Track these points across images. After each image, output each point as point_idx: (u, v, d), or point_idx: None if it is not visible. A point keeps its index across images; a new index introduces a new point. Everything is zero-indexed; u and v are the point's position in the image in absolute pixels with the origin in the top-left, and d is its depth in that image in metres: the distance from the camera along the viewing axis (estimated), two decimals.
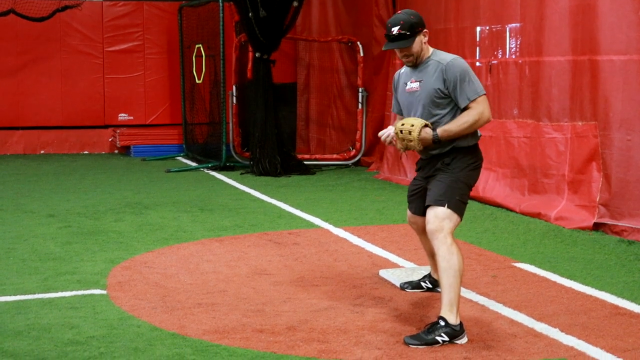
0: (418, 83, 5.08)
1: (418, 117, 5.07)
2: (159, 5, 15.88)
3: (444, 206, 4.93)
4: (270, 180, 11.92)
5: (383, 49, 5.25)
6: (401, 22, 5.00)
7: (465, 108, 4.95)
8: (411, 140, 4.95)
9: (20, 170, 13.01)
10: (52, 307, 5.43)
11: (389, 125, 6.78)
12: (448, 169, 5.04)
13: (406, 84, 5.18)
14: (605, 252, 7.22)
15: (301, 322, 5.13)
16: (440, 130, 4.94)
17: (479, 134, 5.14)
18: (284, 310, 5.40)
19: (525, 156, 9.31)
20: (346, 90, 14.25)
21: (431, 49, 5.14)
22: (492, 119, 4.93)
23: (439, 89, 4.98)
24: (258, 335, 4.87)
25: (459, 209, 4.97)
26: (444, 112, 5.01)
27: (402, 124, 5.00)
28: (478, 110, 4.90)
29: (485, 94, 4.95)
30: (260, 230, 8.15)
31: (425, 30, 5.07)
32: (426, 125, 4.96)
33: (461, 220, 5.04)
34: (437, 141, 4.94)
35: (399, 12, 5.20)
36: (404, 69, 5.31)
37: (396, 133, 5.04)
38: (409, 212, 5.59)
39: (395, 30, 4.98)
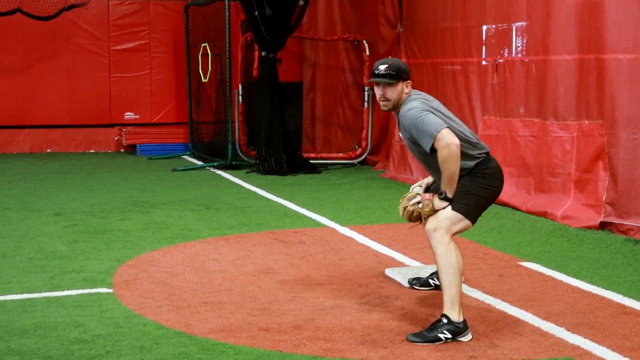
0: (400, 133, 5.21)
1: (423, 163, 5.18)
2: (165, 4, 15.89)
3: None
4: (276, 179, 11.93)
5: (368, 81, 5.56)
6: (390, 62, 5.13)
7: (432, 150, 4.90)
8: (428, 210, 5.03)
9: (26, 169, 13.04)
10: (58, 306, 5.44)
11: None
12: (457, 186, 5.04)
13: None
14: (611, 251, 7.21)
15: (307, 321, 5.13)
16: (442, 188, 4.94)
17: (477, 154, 5.06)
18: (290, 309, 5.41)
19: (532, 155, 9.29)
20: (352, 89, 14.25)
21: (407, 98, 5.13)
22: (458, 141, 4.83)
23: (409, 137, 5.06)
24: (264, 334, 4.87)
25: (465, 211, 4.93)
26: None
27: (422, 205, 5.05)
28: (441, 146, 4.82)
29: (442, 128, 4.83)
30: (266, 229, 8.16)
31: (409, 81, 5.13)
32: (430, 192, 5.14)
33: (472, 224, 5.00)
34: (446, 197, 4.92)
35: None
36: None
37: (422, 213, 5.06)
38: None
39: (382, 67, 5.08)
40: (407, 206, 5.14)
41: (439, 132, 4.83)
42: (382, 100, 5.12)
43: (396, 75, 5.05)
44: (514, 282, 6.14)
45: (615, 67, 8.08)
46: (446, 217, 4.90)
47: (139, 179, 11.99)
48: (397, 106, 5.11)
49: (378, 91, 5.12)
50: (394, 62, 5.13)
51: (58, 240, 7.59)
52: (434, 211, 4.94)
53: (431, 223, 4.92)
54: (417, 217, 5.12)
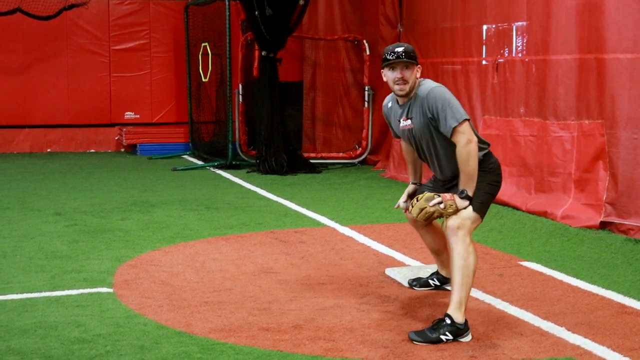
0: (410, 120, 5.15)
1: (430, 153, 5.15)
2: (165, 4, 15.90)
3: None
4: (276, 178, 11.93)
5: (384, 64, 5.09)
6: (405, 45, 5.12)
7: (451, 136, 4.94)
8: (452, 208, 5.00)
9: (26, 169, 13.04)
10: (58, 306, 5.44)
11: None
12: None
13: (399, 121, 5.24)
14: (611, 250, 7.21)
15: (307, 321, 5.14)
16: (462, 187, 4.95)
17: (482, 145, 5.10)
18: (290, 308, 5.41)
19: (532, 155, 9.29)
20: (352, 89, 14.25)
21: (420, 81, 5.16)
22: (477, 137, 4.93)
23: (430, 118, 5.01)
24: (264, 334, 4.87)
25: (480, 209, 5.00)
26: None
27: (444, 205, 4.98)
28: (462, 142, 4.88)
29: (466, 119, 4.91)
30: (266, 229, 8.16)
31: (420, 67, 5.14)
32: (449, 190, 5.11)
33: (481, 221, 5.05)
34: (467, 195, 4.94)
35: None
36: (390, 104, 5.34)
37: (443, 213, 5.02)
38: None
39: (400, 50, 5.06)
40: (424, 207, 5.07)
41: (463, 121, 4.88)
42: (400, 84, 5.06)
43: (413, 57, 5.07)
44: (514, 282, 6.14)
45: (616, 66, 8.08)
46: (468, 217, 4.93)
47: (139, 178, 11.99)
48: (411, 89, 5.09)
49: (394, 74, 5.05)
50: (408, 45, 5.14)
51: (58, 240, 7.59)
52: (457, 211, 4.95)
53: (455, 221, 4.91)
54: (437, 218, 5.12)
